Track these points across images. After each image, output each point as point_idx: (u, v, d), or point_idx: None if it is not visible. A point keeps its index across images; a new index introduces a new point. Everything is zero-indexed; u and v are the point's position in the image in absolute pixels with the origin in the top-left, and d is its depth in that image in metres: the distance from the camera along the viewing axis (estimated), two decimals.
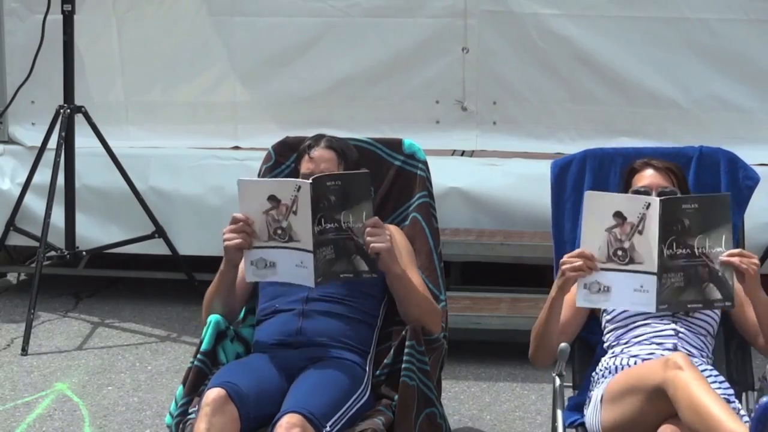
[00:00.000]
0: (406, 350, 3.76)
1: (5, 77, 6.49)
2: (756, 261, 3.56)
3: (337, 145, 4.08)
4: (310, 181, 3.60)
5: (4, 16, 6.49)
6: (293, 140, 4.35)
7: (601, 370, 3.76)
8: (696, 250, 3.45)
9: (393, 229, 4.14)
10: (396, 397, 3.76)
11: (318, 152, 4.05)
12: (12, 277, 6.87)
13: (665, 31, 6.11)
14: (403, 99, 6.38)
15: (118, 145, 6.14)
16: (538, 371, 5.28)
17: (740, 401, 3.80)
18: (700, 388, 3.31)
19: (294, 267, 3.68)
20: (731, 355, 4.00)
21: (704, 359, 3.74)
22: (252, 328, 4.06)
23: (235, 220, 3.74)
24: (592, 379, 3.80)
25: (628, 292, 3.48)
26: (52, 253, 5.97)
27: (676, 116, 6.17)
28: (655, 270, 3.42)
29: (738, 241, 4.11)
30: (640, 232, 3.43)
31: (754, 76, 6.09)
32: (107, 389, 5.19)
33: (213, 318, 3.91)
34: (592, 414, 3.66)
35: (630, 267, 3.45)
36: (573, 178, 4.19)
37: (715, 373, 3.71)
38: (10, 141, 6.53)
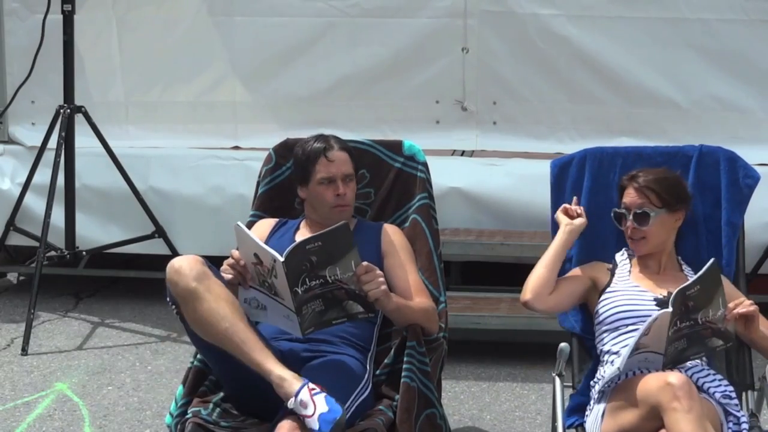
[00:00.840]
0: (406, 351, 3.77)
1: (5, 77, 6.49)
2: (750, 301, 3.67)
3: (346, 146, 4.11)
4: (283, 259, 3.52)
5: (4, 16, 6.49)
6: (294, 142, 4.33)
7: (600, 379, 3.75)
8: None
9: (392, 229, 4.14)
10: (396, 397, 3.76)
11: (336, 154, 4.04)
12: (12, 277, 6.88)
13: (665, 31, 6.11)
14: (403, 99, 6.38)
15: (118, 145, 6.15)
16: (538, 371, 5.30)
17: (740, 401, 3.80)
18: (690, 426, 3.32)
19: (282, 317, 3.68)
20: (731, 355, 4.00)
21: (698, 360, 3.74)
22: None
23: (231, 258, 3.74)
24: (592, 387, 3.80)
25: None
26: (52, 253, 5.97)
27: (676, 116, 6.17)
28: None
29: (738, 240, 4.12)
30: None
31: (754, 76, 6.09)
32: (107, 389, 5.19)
33: None
34: (592, 424, 3.68)
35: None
36: (573, 178, 4.18)
37: (713, 372, 3.71)
38: (10, 141, 6.54)
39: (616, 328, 3.79)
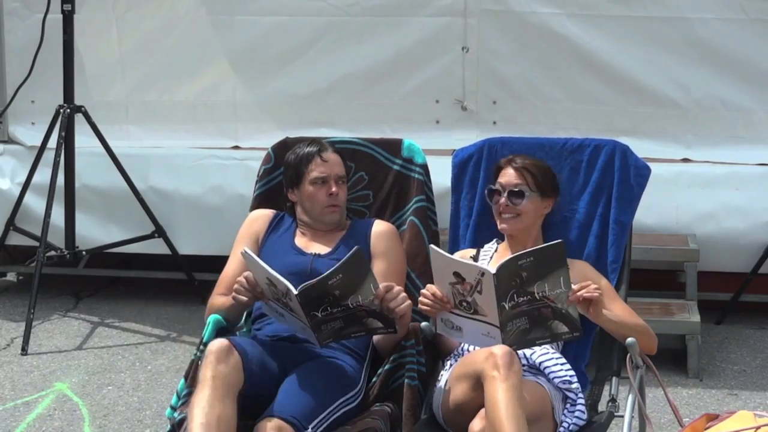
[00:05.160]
0: (407, 350, 3.75)
1: (5, 77, 6.50)
2: (595, 286, 3.65)
3: (339, 150, 4.12)
4: (297, 292, 3.53)
5: (4, 16, 6.50)
6: (293, 141, 4.33)
7: (453, 355, 3.83)
8: (536, 294, 3.54)
9: (382, 228, 4.11)
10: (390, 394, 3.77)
11: (329, 155, 4.06)
12: (12, 276, 6.88)
13: (665, 31, 6.10)
14: (403, 99, 6.38)
15: (118, 144, 6.15)
16: None
17: (609, 386, 3.85)
18: (504, 398, 3.38)
19: (299, 326, 3.70)
20: (597, 341, 3.99)
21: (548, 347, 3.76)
22: (249, 332, 4.04)
23: (245, 281, 3.74)
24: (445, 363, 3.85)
25: (477, 335, 3.62)
26: (52, 252, 5.97)
27: (676, 116, 6.16)
28: (498, 324, 3.53)
29: (627, 240, 4.08)
30: (479, 292, 3.53)
31: (754, 76, 6.08)
32: (107, 389, 5.19)
33: (213, 318, 3.92)
34: (437, 397, 3.73)
35: (475, 317, 3.58)
36: (471, 171, 4.28)
37: (558, 357, 3.74)
38: (10, 141, 6.54)
39: None
